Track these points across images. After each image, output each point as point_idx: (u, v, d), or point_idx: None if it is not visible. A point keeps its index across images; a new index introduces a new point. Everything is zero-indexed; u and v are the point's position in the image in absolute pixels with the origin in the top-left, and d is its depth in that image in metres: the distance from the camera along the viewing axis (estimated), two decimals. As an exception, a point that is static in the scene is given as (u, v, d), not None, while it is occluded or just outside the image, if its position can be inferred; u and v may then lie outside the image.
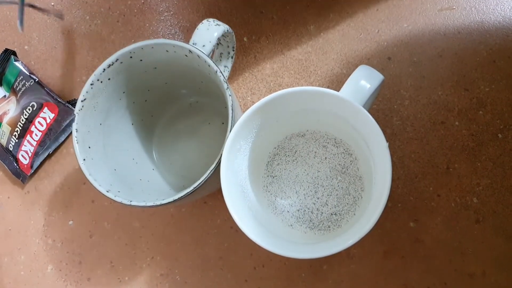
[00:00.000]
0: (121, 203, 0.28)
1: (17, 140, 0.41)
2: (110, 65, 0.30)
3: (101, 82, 0.31)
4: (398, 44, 0.37)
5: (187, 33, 0.42)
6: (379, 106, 0.36)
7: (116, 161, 0.33)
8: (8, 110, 0.43)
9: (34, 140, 0.41)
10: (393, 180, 0.31)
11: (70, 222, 0.40)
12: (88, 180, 0.29)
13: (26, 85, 0.42)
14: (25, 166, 0.41)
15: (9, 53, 0.44)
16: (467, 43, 0.36)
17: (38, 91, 0.42)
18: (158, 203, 0.28)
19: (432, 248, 0.33)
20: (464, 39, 0.36)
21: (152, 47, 0.30)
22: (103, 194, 0.29)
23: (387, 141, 0.26)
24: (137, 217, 0.39)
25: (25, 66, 0.43)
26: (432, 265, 0.33)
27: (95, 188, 0.29)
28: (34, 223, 0.41)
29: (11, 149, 0.42)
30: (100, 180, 0.29)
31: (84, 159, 0.30)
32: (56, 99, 0.41)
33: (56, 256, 0.40)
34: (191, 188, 0.27)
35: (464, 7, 0.37)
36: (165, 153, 0.38)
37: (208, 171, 0.27)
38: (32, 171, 0.42)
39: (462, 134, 0.35)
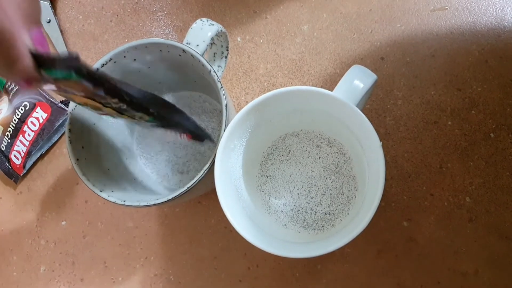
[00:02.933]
0: (114, 203, 0.28)
1: (9, 140, 0.41)
2: (103, 64, 0.30)
3: (94, 81, 0.31)
4: (391, 44, 0.37)
5: (180, 33, 0.42)
6: (372, 105, 0.36)
7: (109, 161, 0.33)
8: (0, 110, 0.42)
9: (27, 140, 0.41)
10: (386, 179, 0.31)
11: (63, 223, 0.40)
12: (82, 180, 0.29)
13: (19, 85, 0.42)
14: (18, 166, 0.41)
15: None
16: (459, 43, 0.36)
17: (31, 91, 0.41)
18: (152, 203, 0.28)
19: (425, 247, 0.34)
20: (457, 39, 0.36)
21: (146, 47, 0.30)
22: (97, 194, 0.29)
23: (380, 140, 0.26)
24: (130, 217, 0.39)
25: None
26: (425, 264, 0.33)
27: (89, 188, 0.29)
28: (26, 224, 0.41)
29: (3, 149, 0.42)
30: (94, 180, 0.29)
31: (77, 159, 0.30)
32: (49, 99, 0.41)
33: (49, 256, 0.40)
34: (185, 188, 0.27)
35: (457, 7, 0.37)
36: (159, 153, 0.38)
37: (202, 171, 0.27)
38: (25, 172, 0.41)
39: (455, 133, 0.35)
